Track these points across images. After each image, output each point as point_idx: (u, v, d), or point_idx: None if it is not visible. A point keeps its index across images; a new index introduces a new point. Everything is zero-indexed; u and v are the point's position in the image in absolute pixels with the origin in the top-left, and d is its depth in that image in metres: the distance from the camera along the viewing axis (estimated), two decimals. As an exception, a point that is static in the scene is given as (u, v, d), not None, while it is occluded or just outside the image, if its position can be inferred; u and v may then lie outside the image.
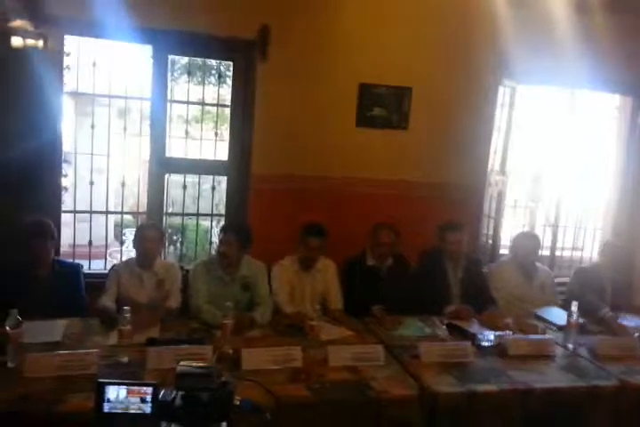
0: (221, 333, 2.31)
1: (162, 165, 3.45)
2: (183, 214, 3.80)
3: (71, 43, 3.43)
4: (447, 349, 2.40)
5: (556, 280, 3.54)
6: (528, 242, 3.36)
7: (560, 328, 2.81)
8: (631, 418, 2.24)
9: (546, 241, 4.23)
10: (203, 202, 3.80)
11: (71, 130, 3.58)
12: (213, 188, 3.69)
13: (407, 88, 3.70)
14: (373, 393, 2.03)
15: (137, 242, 2.75)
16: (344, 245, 3.23)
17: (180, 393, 1.18)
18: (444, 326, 2.72)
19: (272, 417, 1.85)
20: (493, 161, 3.99)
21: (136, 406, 1.19)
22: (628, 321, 3.00)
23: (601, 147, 4.42)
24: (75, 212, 3.60)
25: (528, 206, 4.60)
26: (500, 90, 3.87)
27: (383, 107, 3.69)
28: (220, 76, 3.71)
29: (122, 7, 3.02)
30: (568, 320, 2.66)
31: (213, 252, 2.89)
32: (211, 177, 3.71)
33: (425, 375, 2.20)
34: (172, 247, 4.24)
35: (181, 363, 1.21)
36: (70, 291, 2.74)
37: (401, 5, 3.58)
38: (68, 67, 3.40)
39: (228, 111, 3.60)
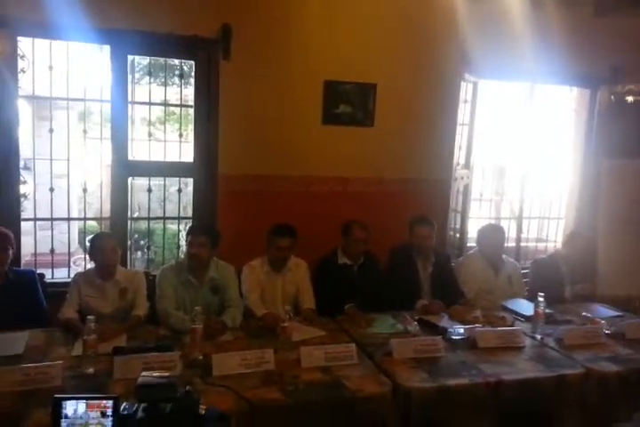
0: (191, 338, 2.26)
1: (125, 168, 3.37)
2: (149, 218, 3.72)
3: (25, 45, 3.31)
4: (419, 344, 2.41)
5: (522, 272, 3.62)
6: (493, 235, 3.42)
7: (527, 319, 2.86)
8: (596, 404, 2.30)
9: (511, 233, 4.33)
10: (169, 205, 3.74)
11: (29, 135, 3.45)
12: (180, 190, 3.63)
13: (372, 85, 3.71)
14: (347, 392, 2.03)
15: (93, 254, 2.68)
16: (315, 244, 3.22)
17: (142, 405, 1.14)
18: (415, 322, 2.74)
19: (247, 422, 1.85)
20: (458, 156, 4.04)
21: (96, 421, 1.15)
22: (591, 311, 3.07)
23: (561, 139, 4.52)
24: (35, 219, 3.48)
25: (493, 199, 4.69)
26: (463, 85, 3.92)
27: (349, 104, 3.70)
28: (182, 77, 3.64)
29: (77, 7, 2.94)
30: (535, 311, 2.71)
31: (182, 256, 2.83)
32: (177, 179, 3.65)
33: (398, 372, 2.21)
34: (138, 253, 4.15)
35: (142, 374, 1.18)
36: (28, 300, 2.66)
37: (364, 2, 3.58)
38: (22, 70, 3.28)
39: (192, 112, 3.55)
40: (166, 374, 1.17)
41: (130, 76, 3.47)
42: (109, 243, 2.67)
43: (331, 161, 3.72)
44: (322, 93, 3.63)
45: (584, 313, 3.00)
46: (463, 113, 4.01)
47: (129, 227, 3.53)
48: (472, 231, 4.05)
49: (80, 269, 3.36)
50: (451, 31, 3.66)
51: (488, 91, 4.25)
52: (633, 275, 3.90)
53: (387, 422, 2.04)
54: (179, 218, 3.71)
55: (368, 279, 3.17)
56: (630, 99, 4.28)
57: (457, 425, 2.12)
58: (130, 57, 3.40)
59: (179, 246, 3.24)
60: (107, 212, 3.54)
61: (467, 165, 4.16)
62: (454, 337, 2.59)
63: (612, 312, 3.14)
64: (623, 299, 3.44)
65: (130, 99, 3.49)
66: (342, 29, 3.57)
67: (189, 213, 3.63)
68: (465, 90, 3.97)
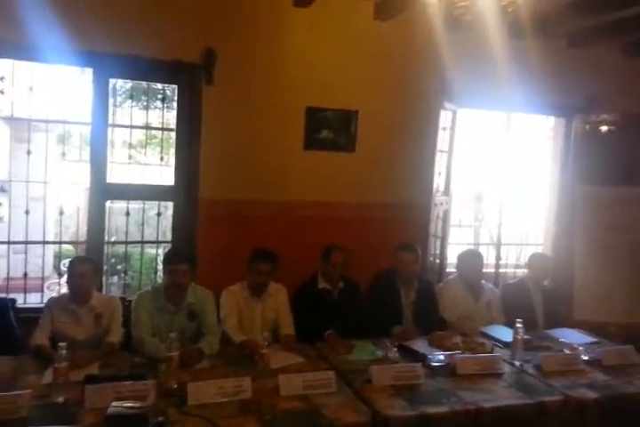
0: (166, 366, 2.20)
1: (102, 191, 3.34)
2: (127, 242, 3.66)
3: (5, 66, 3.30)
4: (398, 371, 2.39)
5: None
6: (472, 260, 3.44)
7: (506, 345, 2.86)
8: (575, 431, 2.29)
9: (490, 259, 4.36)
10: (148, 229, 3.69)
11: (5, 157, 3.41)
12: (159, 214, 3.59)
13: (353, 111, 3.78)
14: (325, 422, 1.99)
15: (68, 278, 2.62)
16: (295, 269, 3.20)
17: (111, 438, 1.10)
18: (395, 349, 2.72)
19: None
20: (438, 182, 4.09)
21: (63, 453, 1.10)
22: (566, 337, 3.09)
23: (538, 166, 4.63)
24: (9, 243, 3.41)
25: (472, 225, 4.75)
26: (442, 113, 4.00)
27: (330, 129, 3.74)
28: (164, 100, 3.66)
29: (59, 30, 2.95)
30: (514, 337, 2.71)
31: (160, 280, 2.78)
32: (156, 203, 3.62)
33: (377, 400, 2.18)
34: (115, 277, 4.07)
35: (112, 404, 1.14)
36: (1, 328, 2.57)
37: (346, 31, 3.67)
38: (1, 91, 3.27)
39: (173, 135, 3.55)
40: (138, 404, 1.13)
41: (111, 100, 3.47)
42: (82, 268, 2.61)
43: (312, 186, 3.73)
44: (304, 119, 3.68)
45: (561, 339, 3.01)
46: (442, 140, 4.08)
47: (105, 251, 3.47)
48: (451, 257, 4.07)
49: (54, 294, 3.27)
50: (430, 60, 3.76)
51: (467, 119, 4.35)
52: (608, 301, 3.95)
53: (366, 451, 2.00)
54: (157, 242, 3.66)
55: (348, 305, 3.15)
56: (604, 128, 4.42)
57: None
58: (112, 80, 3.41)
59: (156, 271, 3.18)
60: (83, 235, 3.49)
61: (446, 192, 4.22)
62: (434, 364, 2.57)
63: (588, 338, 3.15)
64: (598, 324, 3.48)
65: (110, 122, 3.49)
66: (325, 56, 3.64)
67: (168, 237, 3.59)
68: (444, 118, 4.06)
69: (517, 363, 2.65)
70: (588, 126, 4.37)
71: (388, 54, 3.75)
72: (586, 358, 2.73)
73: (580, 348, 2.78)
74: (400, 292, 3.30)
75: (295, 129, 3.68)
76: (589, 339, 3.14)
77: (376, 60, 3.75)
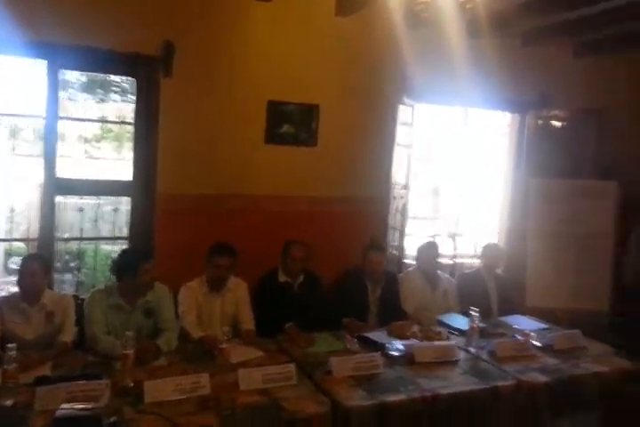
0: (121, 364, 2.16)
1: (53, 186, 3.23)
2: (81, 239, 3.56)
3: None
4: (358, 362, 2.42)
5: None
6: (429, 251, 3.52)
7: (462, 333, 2.94)
8: (527, 413, 2.38)
9: (447, 250, 4.46)
10: (104, 225, 3.59)
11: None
12: (115, 210, 3.50)
13: (314, 105, 3.77)
14: (286, 414, 2.01)
15: (19, 276, 2.53)
16: (256, 264, 3.20)
17: (61, 441, 1.06)
18: (355, 340, 2.75)
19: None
20: (397, 176, 4.15)
21: (10, 459, 1.06)
22: (518, 323, 3.20)
23: (494, 160, 4.75)
24: (-44, 240, 3.27)
25: (430, 218, 4.84)
26: (401, 108, 4.05)
27: (292, 124, 3.73)
28: (121, 93, 3.56)
29: (10, 19, 2.83)
30: (469, 325, 2.79)
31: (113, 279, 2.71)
32: (112, 198, 3.52)
33: (337, 391, 2.21)
34: (69, 275, 3.95)
35: (62, 406, 1.11)
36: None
37: (307, 26, 3.66)
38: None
39: (131, 129, 3.47)
40: (89, 405, 1.10)
41: (66, 92, 3.36)
42: (35, 265, 2.52)
43: (273, 180, 3.72)
44: (265, 113, 3.65)
45: (514, 326, 3.12)
46: (401, 135, 4.13)
47: (57, 248, 3.37)
48: (410, 248, 4.15)
49: (4, 293, 3.15)
50: (391, 56, 3.79)
51: (425, 114, 4.41)
52: (556, 288, 4.11)
53: (326, 442, 2.02)
54: (113, 238, 3.57)
55: (308, 297, 3.17)
56: (555, 124, 4.57)
57: (395, 442, 2.13)
58: (67, 72, 3.29)
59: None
60: (35, 232, 3.37)
61: (405, 185, 4.28)
62: (393, 353, 2.62)
63: (539, 324, 3.27)
64: (548, 310, 3.61)
65: (65, 115, 3.37)
66: (286, 51, 3.62)
67: (125, 233, 3.51)
68: (403, 113, 4.11)
69: (473, 350, 2.74)
70: (540, 122, 4.52)
71: (349, 49, 3.76)
72: (537, 343, 2.84)
73: (532, 334, 2.89)
74: (367, 289, 3.33)
75: (256, 123, 3.65)
76: (540, 325, 3.26)
77: (337, 55, 3.75)
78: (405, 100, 4.05)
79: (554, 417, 2.45)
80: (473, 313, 2.77)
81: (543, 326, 3.25)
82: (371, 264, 3.28)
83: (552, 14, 3.64)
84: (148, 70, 3.32)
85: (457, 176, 4.70)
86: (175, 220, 3.44)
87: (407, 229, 4.25)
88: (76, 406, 1.11)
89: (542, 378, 2.46)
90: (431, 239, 3.97)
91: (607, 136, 4.52)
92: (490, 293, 3.60)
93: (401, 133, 4.12)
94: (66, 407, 1.11)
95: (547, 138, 4.51)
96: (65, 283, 3.92)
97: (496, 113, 4.65)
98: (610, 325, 3.81)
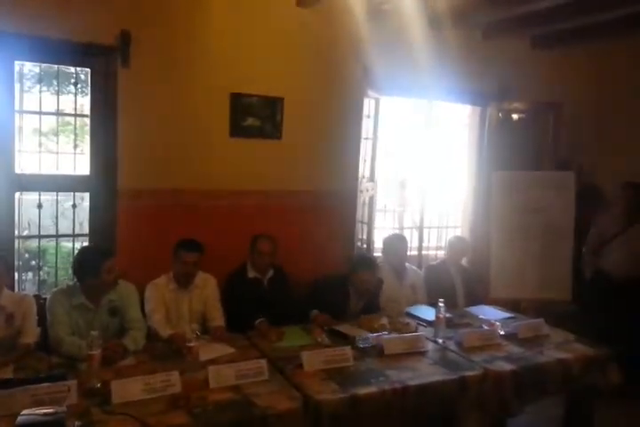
0: (88, 365, 2.10)
1: (11, 182, 3.10)
2: (40, 236, 3.43)
3: None
4: (328, 355, 2.43)
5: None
6: (397, 244, 3.55)
7: (430, 324, 2.99)
8: (493, 401, 2.44)
9: (413, 242, 4.53)
10: (64, 222, 3.47)
11: None
12: (74, 206, 3.39)
13: (279, 98, 3.73)
14: (258, 411, 1.99)
15: None
16: (223, 260, 3.16)
17: (24, 448, 1.02)
18: (325, 333, 2.76)
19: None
20: (363, 169, 4.16)
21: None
22: (484, 313, 3.27)
23: (457, 153, 4.83)
24: None
25: (396, 211, 4.89)
26: (366, 101, 4.06)
27: (256, 117, 3.68)
28: (77, 85, 3.43)
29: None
30: (436, 316, 2.83)
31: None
32: (71, 194, 3.40)
33: (309, 385, 2.21)
34: (29, 274, 3.80)
35: (23, 411, 1.07)
36: None
37: (267, 16, 3.60)
38: None
39: (88, 122, 3.35)
40: (51, 409, 1.06)
41: (19, 84, 3.21)
42: None
43: (239, 174, 3.67)
44: (229, 106, 3.59)
45: (480, 316, 3.19)
46: (367, 128, 4.15)
47: (17, 246, 3.24)
48: (377, 241, 4.18)
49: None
50: (353, 48, 3.79)
51: (390, 107, 4.43)
52: (520, 279, 4.23)
53: (298, 437, 2.03)
54: (73, 235, 3.46)
55: (278, 292, 3.16)
56: (515, 116, 4.68)
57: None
58: (18, 63, 3.15)
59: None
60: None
61: (371, 178, 4.30)
62: (363, 345, 2.64)
63: (504, 314, 3.36)
64: (512, 301, 3.72)
65: (18, 108, 3.23)
66: (248, 42, 3.56)
67: (85, 229, 3.40)
68: (368, 106, 4.12)
69: (440, 340, 2.79)
70: (501, 114, 4.61)
71: (312, 41, 3.73)
72: (502, 332, 2.92)
73: (497, 323, 2.96)
74: (350, 299, 3.26)
75: (220, 116, 3.58)
76: (505, 314, 3.34)
77: (299, 47, 3.72)
78: (370, 92, 4.06)
79: (520, 404, 2.52)
80: (440, 304, 2.81)
81: (508, 315, 3.34)
82: (360, 282, 3.17)
83: (511, 7, 3.71)
84: (105, 61, 3.21)
85: (421, 169, 4.76)
86: (138, 215, 3.35)
87: (375, 222, 4.28)
88: (39, 411, 1.06)
89: (508, 366, 2.52)
90: (398, 232, 4.01)
91: (565, 128, 4.66)
92: (455, 284, 3.67)
93: (366, 126, 4.13)
94: (27, 413, 1.06)
95: (507, 130, 4.61)
96: (27, 282, 3.78)
97: (458, 106, 4.72)
98: (572, 313, 3.95)
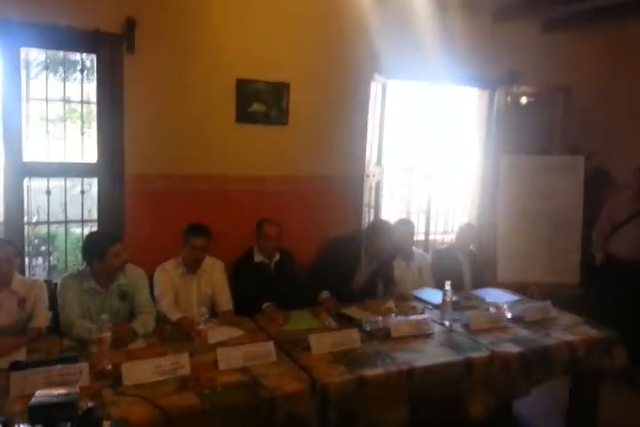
0: (98, 348, 2.14)
1: (20, 169, 3.12)
2: (49, 222, 3.46)
3: None
4: (335, 337, 2.45)
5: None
6: (403, 228, 3.55)
7: (436, 307, 3.00)
8: (500, 382, 2.46)
9: (420, 227, 4.53)
10: (72, 208, 3.50)
11: None
12: (83, 192, 3.41)
13: (285, 84, 3.71)
14: (265, 392, 2.02)
15: None
16: (231, 244, 3.18)
17: (37, 427, 1.05)
18: (332, 317, 2.78)
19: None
20: (370, 153, 4.15)
21: (-18, 447, 1.04)
22: (491, 296, 3.29)
23: (465, 137, 4.79)
24: None
25: (403, 195, 4.88)
26: (373, 85, 4.03)
27: (262, 102, 3.67)
28: (83, 71, 3.43)
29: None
30: (443, 299, 2.84)
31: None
32: (79, 180, 3.43)
33: (316, 367, 2.23)
34: (39, 259, 3.85)
35: (37, 393, 1.09)
36: None
37: (275, 2, 3.56)
38: None
39: (94, 108, 3.35)
40: (64, 391, 1.08)
41: (25, 71, 3.22)
42: (5, 250, 2.45)
43: (245, 160, 3.67)
44: (234, 92, 3.58)
45: (487, 299, 3.20)
46: (374, 112, 4.12)
47: (26, 232, 3.28)
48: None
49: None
50: (360, 32, 3.74)
51: (397, 91, 4.39)
52: (528, 262, 4.23)
53: (306, 417, 2.05)
54: (82, 221, 3.49)
55: (284, 276, 3.18)
56: (524, 100, 4.63)
57: (372, 415, 2.17)
58: (24, 50, 3.15)
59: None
60: (1, 216, 3.27)
61: (378, 163, 4.29)
62: (369, 328, 2.66)
63: (511, 296, 3.36)
64: (520, 284, 3.71)
65: (25, 95, 3.24)
66: (254, 27, 3.53)
67: (94, 215, 3.43)
68: (375, 89, 4.08)
69: (447, 323, 2.80)
70: (509, 98, 4.56)
71: (318, 26, 3.69)
72: (509, 315, 2.92)
73: (504, 306, 2.97)
74: (362, 263, 3.24)
75: (226, 101, 3.57)
76: (512, 297, 3.34)
77: (305, 32, 3.68)
78: (377, 76, 4.02)
79: (526, 386, 2.54)
80: (446, 287, 2.82)
81: (515, 298, 3.34)
82: (376, 249, 3.17)
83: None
84: (110, 47, 3.20)
85: (429, 153, 4.74)
86: (145, 201, 3.37)
87: (382, 207, 4.27)
88: (52, 392, 1.08)
89: (515, 349, 2.53)
90: (405, 217, 4.01)
91: (575, 112, 4.60)
92: (463, 269, 3.67)
93: (373, 111, 4.10)
94: (40, 395, 1.08)
95: (516, 114, 4.56)
96: (37, 267, 3.83)
97: (466, 89, 4.67)
98: (580, 297, 3.95)
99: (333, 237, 3.35)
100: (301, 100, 3.76)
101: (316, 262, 3.30)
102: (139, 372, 2.02)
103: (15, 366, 1.97)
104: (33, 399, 1.07)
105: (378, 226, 3.28)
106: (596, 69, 4.60)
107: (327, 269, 3.18)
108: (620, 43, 4.59)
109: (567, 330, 2.81)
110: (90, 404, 1.13)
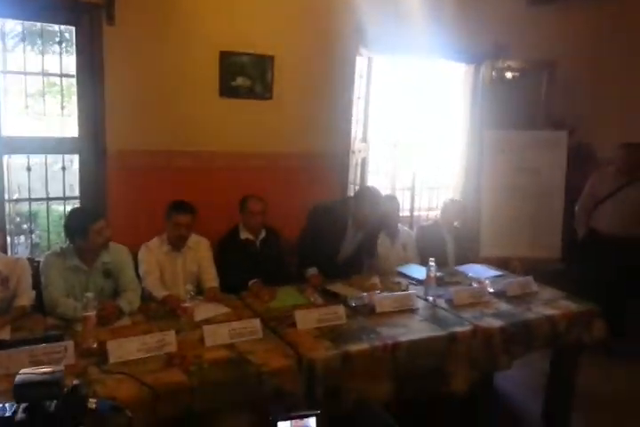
0: (83, 326, 2.13)
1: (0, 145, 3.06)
2: (30, 200, 3.41)
3: None
4: (321, 313, 2.47)
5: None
6: (389, 204, 3.55)
7: (420, 282, 3.03)
8: (482, 356, 2.51)
9: (405, 203, 4.54)
10: (54, 185, 3.44)
11: None
12: (64, 168, 3.35)
13: (269, 57, 3.65)
14: (252, 368, 2.04)
15: None
16: (214, 222, 3.16)
17: (23, 406, 1.05)
18: (317, 293, 2.81)
19: (150, 407, 1.80)
20: (355, 130, 4.11)
21: (-37, 429, 1.03)
22: (474, 272, 3.33)
23: (451, 113, 4.77)
24: None
25: (389, 171, 4.87)
26: (358, 60, 3.96)
27: (246, 76, 3.61)
28: (62, 44, 3.32)
29: None
30: (427, 275, 2.87)
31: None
32: (60, 156, 3.36)
33: (302, 343, 2.25)
34: (22, 237, 3.81)
35: (22, 371, 1.08)
36: None
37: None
38: None
39: (74, 82, 3.26)
40: (49, 369, 1.08)
41: (1, 43, 3.11)
42: None
43: (229, 135, 3.63)
44: (218, 65, 3.51)
45: (470, 274, 3.24)
46: (359, 87, 4.07)
47: (7, 210, 3.23)
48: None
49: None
50: (346, 5, 3.67)
51: (383, 66, 4.33)
52: (511, 237, 4.28)
53: (293, 393, 2.07)
54: (64, 198, 3.44)
55: (270, 253, 3.18)
56: (509, 75, 4.60)
57: (358, 390, 2.21)
58: (0, 21, 3.04)
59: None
60: (-20, 194, 3.20)
61: (364, 139, 4.26)
62: (354, 304, 2.68)
63: (493, 272, 3.40)
64: (503, 260, 3.77)
65: (1, 68, 3.14)
66: (237, -1, 3.44)
67: (76, 192, 3.38)
68: (360, 64, 4.02)
69: (431, 298, 2.83)
70: (494, 73, 4.53)
71: (303, -2, 3.61)
72: (492, 290, 2.97)
73: (487, 281, 3.01)
74: (348, 232, 3.19)
75: (209, 75, 3.51)
76: (495, 272, 3.38)
77: (290, 3, 3.60)
78: (362, 51, 3.95)
79: (508, 359, 2.59)
80: (430, 263, 2.85)
81: (497, 273, 3.38)
82: (364, 217, 3.09)
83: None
84: (89, 18, 3.12)
85: (414, 129, 4.72)
86: (128, 178, 3.33)
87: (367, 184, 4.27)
88: (37, 371, 1.08)
89: (497, 323, 2.58)
90: (390, 193, 4.01)
91: (559, 87, 4.59)
92: (447, 245, 3.70)
93: (359, 86, 4.05)
94: (25, 372, 1.08)
95: (501, 89, 4.54)
96: (19, 246, 3.79)
97: (451, 64, 4.63)
98: (561, 271, 4.02)
99: (317, 203, 3.24)
100: (286, 74, 3.70)
101: (300, 235, 3.25)
102: (125, 349, 2.02)
103: (-1, 345, 1.96)
104: (17, 378, 1.06)
105: (366, 192, 3.20)
106: (581, 44, 4.57)
107: (312, 239, 3.13)
108: (606, 16, 4.55)
109: (548, 304, 2.86)
110: (75, 382, 1.13)
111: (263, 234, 3.22)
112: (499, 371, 2.80)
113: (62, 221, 2.88)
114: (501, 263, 3.63)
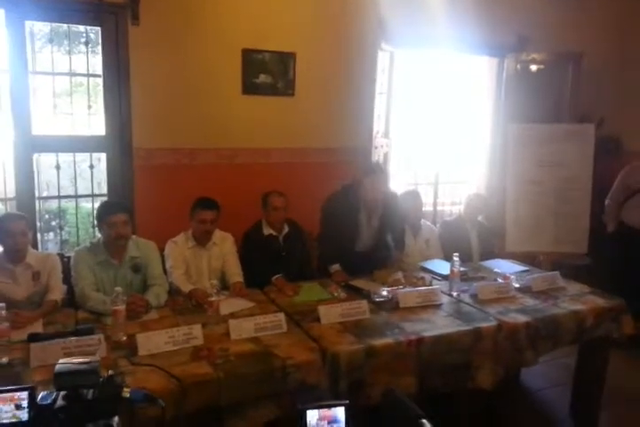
0: (113, 320, 2.19)
1: (29, 144, 3.14)
2: (59, 197, 3.50)
3: None
4: (345, 308, 2.48)
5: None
6: (411, 200, 3.54)
7: (444, 278, 3.02)
8: (507, 352, 2.49)
9: (428, 198, 4.52)
10: (82, 182, 3.53)
11: None
12: (92, 166, 3.43)
13: (291, 53, 3.66)
14: (278, 361, 2.06)
15: (2, 237, 2.48)
16: (239, 217, 3.19)
17: (62, 393, 1.09)
18: (341, 288, 2.82)
19: (178, 399, 1.84)
20: (378, 125, 4.10)
21: (10, 415, 1.08)
22: (499, 267, 3.30)
23: (474, 106, 4.71)
24: None
25: (411, 166, 4.84)
26: (380, 55, 3.95)
27: (268, 73, 3.63)
28: (88, 44, 3.39)
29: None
30: (451, 270, 2.85)
31: (99, 235, 2.70)
32: (88, 155, 3.44)
33: (326, 337, 2.27)
34: (51, 234, 3.91)
35: (60, 361, 1.13)
36: None
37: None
38: None
39: (100, 82, 3.33)
40: (86, 359, 1.12)
41: (30, 45, 3.20)
42: (18, 225, 2.47)
43: (253, 132, 3.66)
44: (240, 62, 3.54)
45: (495, 269, 3.21)
46: (381, 82, 4.05)
47: (37, 207, 3.32)
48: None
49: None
50: (367, 0, 3.65)
51: (405, 60, 4.30)
52: (537, 232, 4.22)
53: (318, 386, 2.09)
54: (92, 195, 3.52)
55: (294, 248, 3.21)
56: (534, 67, 4.52)
57: (382, 384, 2.21)
58: (28, 23, 3.12)
59: (94, 226, 3.07)
60: (12, 191, 3.30)
61: (386, 134, 4.24)
62: (378, 299, 2.69)
63: (519, 267, 3.36)
64: (528, 254, 3.72)
65: (31, 68, 3.22)
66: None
67: (104, 189, 3.45)
68: (382, 59, 4.00)
69: (455, 293, 2.82)
70: (519, 66, 4.46)
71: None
72: (517, 285, 2.94)
73: (512, 276, 2.98)
74: (361, 217, 3.19)
75: (232, 73, 3.54)
76: (520, 268, 3.34)
77: (312, 1, 3.60)
78: (384, 46, 3.94)
79: (534, 355, 2.57)
80: (454, 258, 2.83)
81: (523, 268, 3.34)
82: (367, 192, 3.06)
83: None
84: (114, 19, 3.18)
85: (437, 124, 4.67)
86: (154, 175, 3.39)
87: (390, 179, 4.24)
88: (75, 361, 1.13)
89: (522, 318, 2.55)
90: (413, 188, 3.99)
91: (585, 79, 4.50)
92: (471, 239, 3.67)
93: (380, 81, 4.03)
94: (64, 362, 1.12)
95: (525, 82, 4.47)
96: (49, 242, 3.89)
97: (475, 58, 4.57)
98: (588, 266, 3.95)
99: (327, 199, 3.26)
100: (308, 71, 3.71)
101: (320, 228, 3.26)
102: (153, 342, 2.07)
103: (33, 337, 2.03)
104: (57, 366, 1.11)
105: (368, 166, 3.21)
106: (607, 34, 4.48)
107: (328, 228, 3.15)
108: (632, 7, 4.44)
109: (574, 299, 2.82)
110: (110, 371, 1.17)
111: (286, 229, 3.24)
112: (525, 367, 2.77)
113: (91, 218, 2.95)
114: (527, 258, 3.58)
